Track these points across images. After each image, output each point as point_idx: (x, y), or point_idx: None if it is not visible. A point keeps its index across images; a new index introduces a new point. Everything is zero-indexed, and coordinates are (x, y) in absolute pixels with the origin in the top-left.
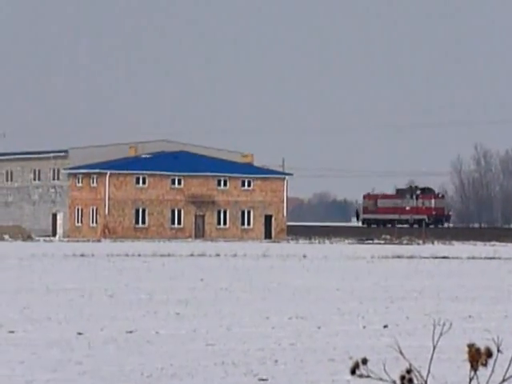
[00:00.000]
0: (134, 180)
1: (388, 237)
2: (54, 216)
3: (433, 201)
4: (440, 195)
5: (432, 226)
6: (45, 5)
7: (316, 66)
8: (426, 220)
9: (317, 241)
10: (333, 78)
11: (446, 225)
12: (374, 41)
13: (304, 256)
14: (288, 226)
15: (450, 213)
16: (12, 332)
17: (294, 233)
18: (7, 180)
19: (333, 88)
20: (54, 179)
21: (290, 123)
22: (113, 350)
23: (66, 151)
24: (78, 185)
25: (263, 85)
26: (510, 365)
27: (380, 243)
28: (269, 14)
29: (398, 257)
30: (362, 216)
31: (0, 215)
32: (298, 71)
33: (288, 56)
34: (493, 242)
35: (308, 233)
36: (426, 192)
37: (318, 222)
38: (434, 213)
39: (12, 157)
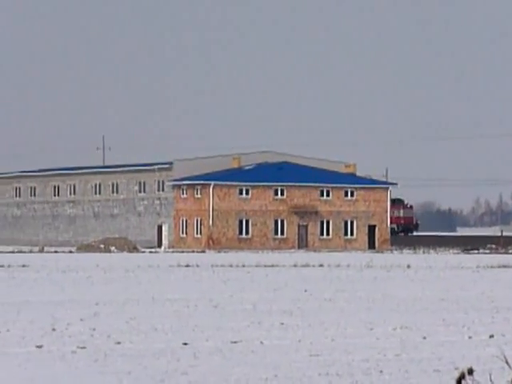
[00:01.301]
0: (238, 191)
1: (493, 246)
2: (159, 227)
3: (401, 211)
4: (409, 205)
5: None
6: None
7: (421, 76)
8: (396, 229)
9: (421, 251)
10: (437, 87)
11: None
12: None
13: (408, 266)
14: (391, 236)
15: (419, 222)
16: (119, 343)
17: (398, 243)
18: (113, 192)
19: (436, 97)
20: (158, 191)
21: (393, 133)
22: (218, 360)
23: (170, 163)
24: (182, 196)
25: (365, 95)
26: None
27: (485, 253)
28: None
29: (504, 266)
30: None
31: (106, 227)
32: (403, 81)
33: (393, 67)
34: None
35: (412, 243)
36: (396, 202)
37: (422, 231)
38: (402, 222)
39: (118, 169)
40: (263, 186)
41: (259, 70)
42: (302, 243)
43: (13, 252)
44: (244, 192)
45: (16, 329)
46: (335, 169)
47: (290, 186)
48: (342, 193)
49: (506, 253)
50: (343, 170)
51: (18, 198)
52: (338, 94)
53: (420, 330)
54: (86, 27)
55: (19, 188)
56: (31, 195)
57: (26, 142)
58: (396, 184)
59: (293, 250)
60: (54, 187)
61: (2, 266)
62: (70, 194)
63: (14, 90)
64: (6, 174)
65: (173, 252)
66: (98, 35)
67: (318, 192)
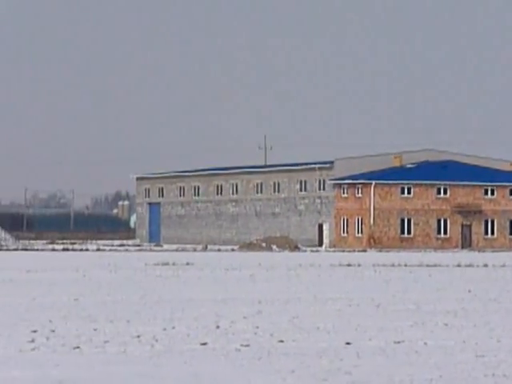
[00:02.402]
0: (399, 190)
1: None
2: (320, 226)
3: None
4: None
5: None
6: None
7: None
8: None
9: None
10: None
11: None
12: None
13: None
14: None
15: None
16: (282, 341)
17: None
18: (274, 191)
19: None
20: (319, 190)
21: None
22: (381, 360)
23: (331, 162)
24: (343, 195)
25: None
26: None
27: None
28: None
29: None
30: None
31: (268, 226)
32: None
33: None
34: None
35: None
36: None
37: None
38: None
39: (279, 168)
40: (426, 184)
41: (416, 68)
42: (466, 243)
43: (177, 250)
44: (406, 191)
45: (181, 326)
46: (499, 167)
47: (454, 184)
48: (507, 191)
49: None
50: (508, 168)
51: (182, 198)
52: (496, 90)
53: None
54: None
55: (183, 187)
56: (195, 194)
57: (190, 142)
58: None
59: (456, 250)
60: (217, 186)
61: (167, 264)
62: (233, 193)
63: (179, 90)
64: (170, 173)
65: (334, 251)
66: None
67: (482, 191)
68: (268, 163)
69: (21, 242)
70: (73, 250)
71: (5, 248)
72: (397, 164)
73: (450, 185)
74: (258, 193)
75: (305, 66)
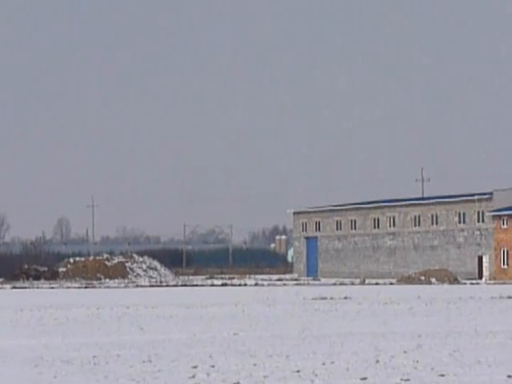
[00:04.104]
0: None
1: None
2: (480, 258)
3: None
4: None
5: None
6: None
7: None
8: None
9: None
10: None
11: None
12: None
13: None
14: None
15: None
16: (443, 375)
17: None
18: (432, 224)
19: None
20: (478, 222)
21: None
22: None
23: (490, 193)
24: (502, 227)
25: None
26: None
27: None
28: None
29: None
30: None
31: (426, 259)
32: None
33: None
34: None
35: None
36: None
37: None
38: None
39: (437, 200)
40: None
41: None
42: None
43: (335, 284)
44: None
45: (340, 361)
46: None
47: None
48: None
49: None
50: None
51: (339, 231)
52: None
53: None
54: None
55: (340, 221)
56: (352, 228)
57: (344, 175)
58: None
59: None
60: (374, 219)
61: (325, 298)
62: (390, 226)
63: (331, 122)
64: (326, 207)
65: (494, 283)
66: None
67: None
68: (425, 195)
69: (180, 277)
70: (231, 284)
71: (165, 284)
72: None
73: None
74: (415, 225)
75: (460, 96)
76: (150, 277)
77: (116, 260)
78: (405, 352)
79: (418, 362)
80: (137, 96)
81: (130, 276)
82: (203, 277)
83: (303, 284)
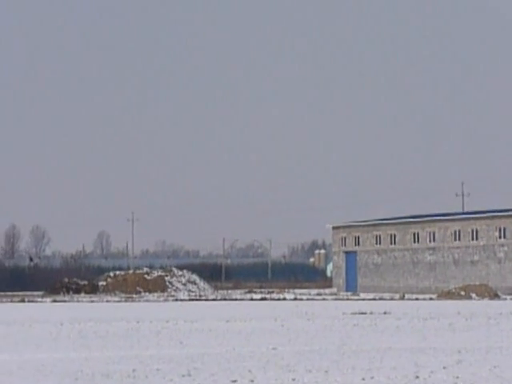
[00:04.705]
0: None
1: None
2: None
3: None
4: None
5: None
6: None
7: None
8: None
9: None
10: None
11: None
12: None
13: None
14: None
15: None
16: None
17: None
18: (472, 239)
19: None
20: None
21: None
22: None
23: None
24: None
25: None
26: None
27: None
28: None
29: None
30: None
31: (466, 274)
32: None
33: None
34: None
35: None
36: None
37: None
38: None
39: (477, 215)
40: None
41: None
42: None
43: (374, 299)
44: None
45: (380, 376)
46: None
47: None
48: None
49: None
50: None
51: (378, 246)
52: None
53: None
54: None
55: (379, 236)
56: (391, 243)
57: (384, 190)
58: None
59: None
60: (414, 234)
61: (365, 313)
62: (430, 240)
63: (366, 136)
64: (365, 222)
65: None
66: None
67: None
68: (465, 210)
69: (219, 291)
70: (270, 299)
71: (204, 298)
72: None
73: None
74: (455, 240)
75: (503, 109)
76: (190, 291)
77: (155, 274)
78: (444, 368)
79: (458, 377)
80: (182, 112)
81: (169, 290)
82: (242, 291)
83: (342, 299)
